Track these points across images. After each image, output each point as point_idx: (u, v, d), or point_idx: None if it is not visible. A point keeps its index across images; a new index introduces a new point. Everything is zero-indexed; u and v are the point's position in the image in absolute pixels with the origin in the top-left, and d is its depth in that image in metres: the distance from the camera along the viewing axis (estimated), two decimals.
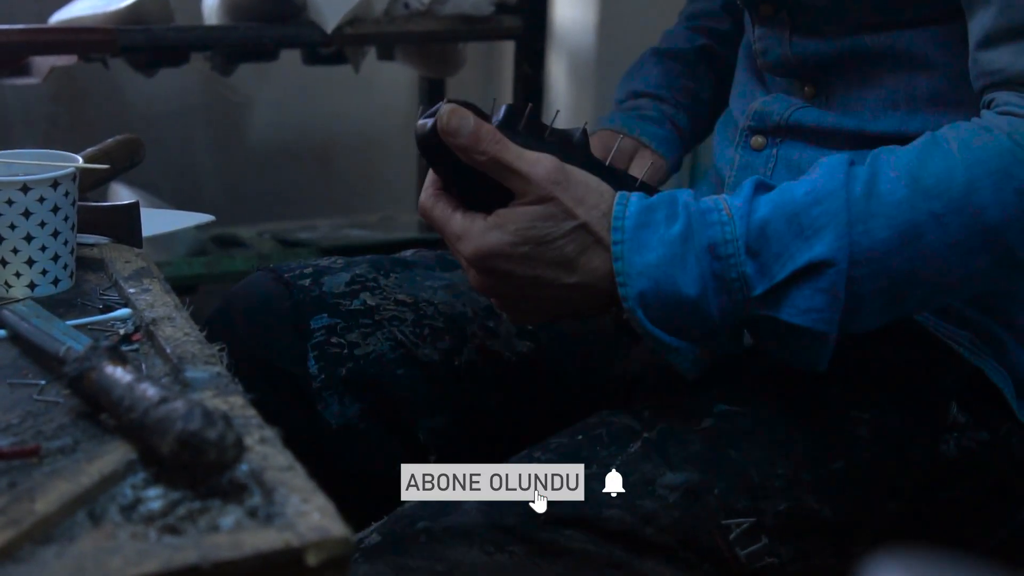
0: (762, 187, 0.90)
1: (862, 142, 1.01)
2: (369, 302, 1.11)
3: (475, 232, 0.90)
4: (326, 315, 1.09)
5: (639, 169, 1.19)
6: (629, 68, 1.35)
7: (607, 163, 0.97)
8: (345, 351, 1.08)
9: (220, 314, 1.12)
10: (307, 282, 1.12)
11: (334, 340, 1.08)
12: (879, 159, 0.89)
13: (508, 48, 2.31)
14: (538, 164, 0.89)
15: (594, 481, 0.90)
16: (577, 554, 0.88)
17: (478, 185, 0.91)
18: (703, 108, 1.30)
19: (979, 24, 0.90)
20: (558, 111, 1.03)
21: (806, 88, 1.06)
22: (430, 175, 0.96)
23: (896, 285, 0.87)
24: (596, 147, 1.16)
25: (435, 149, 0.91)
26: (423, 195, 0.95)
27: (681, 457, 0.92)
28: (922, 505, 0.96)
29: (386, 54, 2.24)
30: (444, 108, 0.89)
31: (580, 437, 0.95)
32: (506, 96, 2.49)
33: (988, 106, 0.91)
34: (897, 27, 0.99)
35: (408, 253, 1.20)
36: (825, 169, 0.89)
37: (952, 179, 0.86)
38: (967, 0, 0.91)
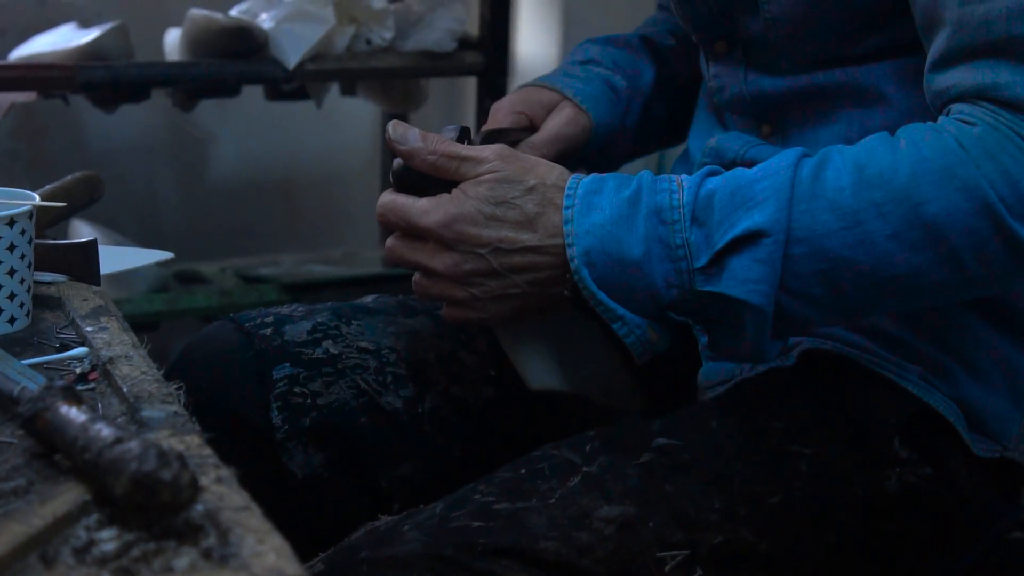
0: (716, 172, 0.93)
1: None
2: (331, 350, 1.10)
3: (443, 202, 0.94)
4: (288, 364, 1.09)
5: (556, 121, 1.18)
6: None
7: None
8: (308, 401, 1.08)
9: (180, 365, 1.11)
10: (268, 331, 1.11)
11: (296, 390, 1.08)
12: (831, 150, 0.91)
13: (470, 84, 2.32)
14: (485, 147, 0.95)
15: (533, 514, 0.91)
16: None
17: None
18: (643, 83, 1.26)
19: (934, 47, 0.92)
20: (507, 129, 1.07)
21: (763, 127, 1.07)
22: (382, 195, 0.99)
23: (835, 270, 0.88)
24: (516, 102, 1.18)
25: (408, 181, 0.97)
26: (380, 199, 0.98)
27: (619, 491, 0.92)
28: (862, 538, 0.96)
29: (349, 89, 2.25)
30: (389, 123, 0.96)
31: (523, 471, 0.96)
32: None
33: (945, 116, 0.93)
34: (852, 62, 1.01)
35: (369, 299, 1.19)
36: (779, 156, 0.91)
37: (896, 171, 0.87)
38: (925, 24, 0.93)
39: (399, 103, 2.25)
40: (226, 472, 0.70)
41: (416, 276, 0.99)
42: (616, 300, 0.91)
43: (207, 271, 2.31)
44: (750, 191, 0.89)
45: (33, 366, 0.88)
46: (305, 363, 1.09)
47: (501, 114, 1.18)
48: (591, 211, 0.91)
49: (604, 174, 0.94)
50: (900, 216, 0.87)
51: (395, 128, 0.96)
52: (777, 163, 0.90)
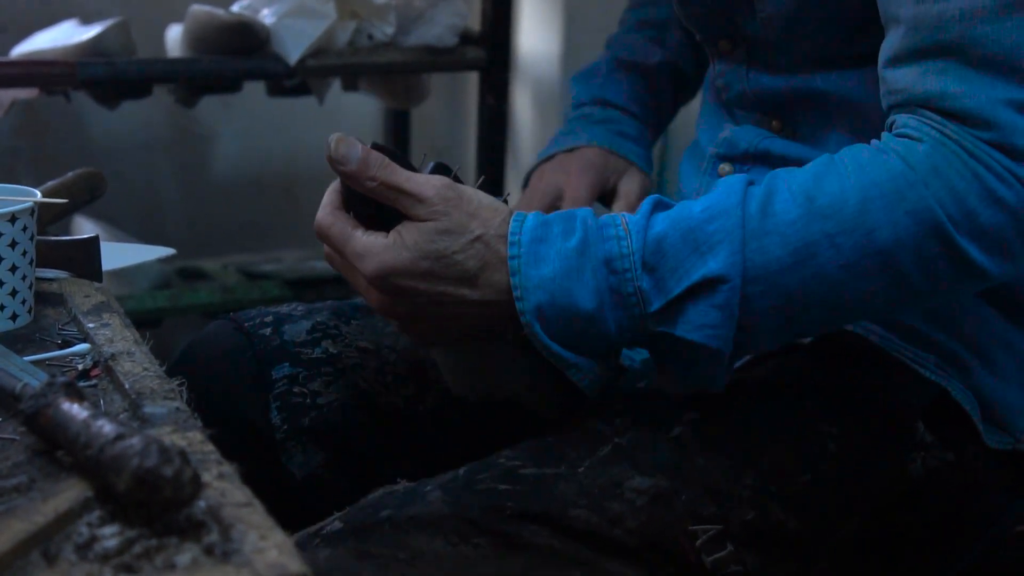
0: (661, 205, 0.91)
1: None
2: (331, 350, 1.10)
3: (376, 249, 0.90)
4: (287, 364, 1.09)
5: (631, 189, 1.26)
6: (587, 68, 1.37)
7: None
8: (307, 401, 1.07)
9: (180, 365, 1.11)
10: (268, 331, 1.11)
11: (296, 390, 1.08)
12: (776, 178, 0.90)
13: (472, 79, 2.32)
14: (428, 184, 0.90)
15: (562, 481, 0.91)
16: (542, 549, 0.88)
17: (383, 219, 0.92)
18: (663, 124, 1.38)
19: (888, 43, 0.91)
20: (483, 177, 1.04)
21: (773, 122, 1.07)
22: (327, 195, 0.95)
23: (791, 304, 0.88)
24: (583, 164, 1.23)
25: (349, 196, 0.93)
26: (320, 213, 0.94)
27: (650, 463, 0.92)
28: (885, 523, 0.96)
29: (351, 85, 2.25)
30: (332, 136, 0.91)
31: (550, 439, 0.95)
32: (471, 126, 2.50)
33: (889, 128, 0.92)
34: (849, 66, 1.00)
35: None
36: (723, 187, 0.90)
37: (845, 200, 0.87)
38: (883, 20, 0.92)
39: (401, 98, 2.25)
40: (228, 468, 0.70)
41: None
42: (568, 348, 0.90)
43: (209, 267, 2.31)
44: (702, 233, 0.87)
45: (35, 362, 0.88)
46: (305, 363, 1.09)
47: (586, 192, 1.25)
48: (539, 262, 0.89)
49: (548, 215, 0.91)
50: (852, 246, 0.86)
51: (337, 146, 0.91)
52: (724, 200, 0.88)
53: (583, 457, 0.92)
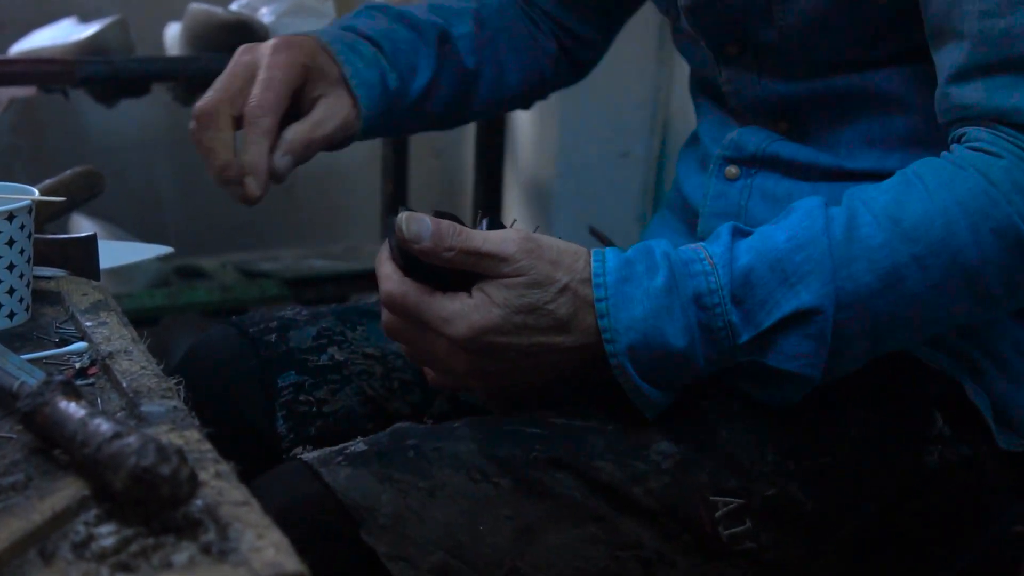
0: (739, 233, 0.90)
1: (839, 177, 1.02)
2: (337, 357, 1.10)
3: (466, 311, 0.87)
4: (293, 372, 1.08)
5: (329, 117, 1.09)
6: (350, 13, 1.22)
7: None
8: (314, 409, 1.07)
9: (182, 370, 1.09)
10: (273, 337, 1.11)
11: (302, 398, 1.07)
12: (854, 199, 0.89)
13: None
14: (507, 241, 0.87)
15: (591, 434, 0.91)
16: (561, 498, 0.88)
17: (451, 281, 0.89)
18: (416, 86, 1.18)
19: (949, 58, 0.90)
20: (487, 218, 1.00)
21: (780, 123, 1.06)
22: (385, 264, 0.92)
23: (879, 326, 0.88)
24: (288, 43, 1.07)
25: (419, 267, 0.89)
26: (388, 284, 0.90)
27: (677, 432, 0.92)
28: (895, 514, 0.96)
29: None
30: (400, 217, 0.87)
31: (583, 398, 0.95)
32: (469, 129, 2.50)
33: (958, 140, 0.91)
34: (868, 67, 0.99)
35: (373, 301, 1.18)
36: (803, 213, 0.89)
37: (931, 221, 0.86)
38: (936, 31, 0.91)
39: None
40: (225, 467, 0.70)
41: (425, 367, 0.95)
42: (655, 385, 0.89)
43: (208, 266, 2.31)
44: (790, 264, 0.87)
45: (32, 361, 0.88)
46: (311, 370, 1.09)
47: (280, 71, 1.05)
48: (628, 303, 0.87)
49: (628, 252, 0.89)
50: (939, 266, 0.86)
51: (408, 226, 0.87)
52: (808, 227, 0.88)
53: (613, 416, 0.93)
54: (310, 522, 0.86)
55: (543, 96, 1.34)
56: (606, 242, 1.22)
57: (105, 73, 1.84)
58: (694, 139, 1.19)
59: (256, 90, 1.04)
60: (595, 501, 0.89)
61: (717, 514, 0.90)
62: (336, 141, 1.11)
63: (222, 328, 1.14)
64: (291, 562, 0.60)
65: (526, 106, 1.34)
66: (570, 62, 1.32)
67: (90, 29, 1.89)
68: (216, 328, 1.15)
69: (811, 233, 0.87)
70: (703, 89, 1.17)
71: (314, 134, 1.08)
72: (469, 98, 1.24)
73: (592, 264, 0.88)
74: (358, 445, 0.90)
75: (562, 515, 0.88)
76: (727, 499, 0.90)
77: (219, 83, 1.07)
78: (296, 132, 1.07)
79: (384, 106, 1.14)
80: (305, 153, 1.08)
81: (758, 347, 0.88)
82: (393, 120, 1.17)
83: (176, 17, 2.02)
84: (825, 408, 0.96)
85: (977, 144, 0.88)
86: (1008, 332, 1.01)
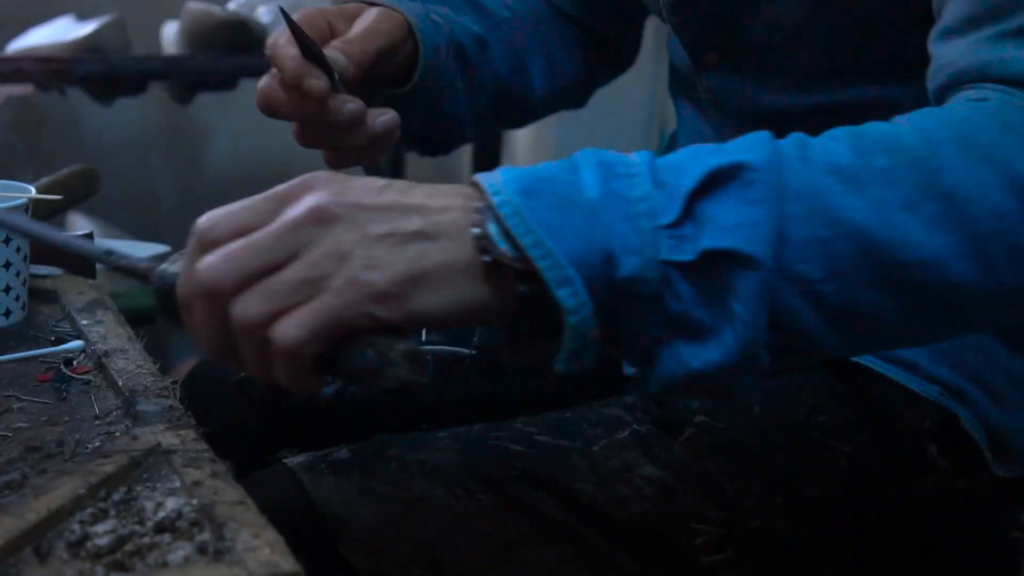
0: None
1: None
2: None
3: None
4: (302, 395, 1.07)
5: (367, 17, 1.00)
6: None
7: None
8: (322, 435, 1.06)
9: (192, 387, 1.08)
10: None
11: (309, 422, 1.07)
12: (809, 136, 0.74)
13: None
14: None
15: (575, 454, 0.90)
16: (542, 517, 0.88)
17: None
18: (469, 45, 1.11)
19: (940, 22, 0.80)
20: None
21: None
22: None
23: (840, 238, 0.66)
24: (312, 14, 1.01)
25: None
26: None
27: (663, 458, 0.91)
28: (888, 544, 0.96)
29: None
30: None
31: (569, 415, 0.94)
32: None
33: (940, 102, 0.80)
34: (855, 79, 0.96)
35: None
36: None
37: (899, 137, 0.69)
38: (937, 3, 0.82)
39: None
40: (221, 467, 0.70)
41: (249, 297, 0.63)
42: (561, 243, 0.64)
43: None
44: (720, 146, 0.68)
45: (28, 359, 0.88)
46: (317, 397, 1.08)
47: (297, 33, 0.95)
48: (522, 173, 0.66)
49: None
50: (913, 182, 0.66)
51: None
52: (749, 137, 0.70)
53: (600, 436, 0.92)
54: (291, 530, 0.86)
55: (590, 91, 1.31)
56: None
57: (102, 71, 1.84)
58: (672, 144, 1.18)
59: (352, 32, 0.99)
60: (575, 522, 0.88)
61: (698, 541, 0.89)
62: (391, 37, 1.00)
63: None
64: (287, 562, 0.60)
65: (579, 102, 1.31)
66: (604, 59, 1.30)
67: (87, 27, 1.88)
68: None
69: (752, 138, 0.69)
70: (683, 91, 1.15)
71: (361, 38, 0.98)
72: (524, 77, 1.17)
73: (479, 177, 0.67)
74: (342, 452, 0.90)
75: (542, 534, 0.87)
76: (709, 528, 0.90)
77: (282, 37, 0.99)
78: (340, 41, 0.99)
79: (440, 38, 1.06)
80: (356, 54, 0.97)
81: (689, 231, 0.64)
82: (445, 79, 1.07)
83: (173, 16, 2.02)
84: (815, 439, 0.95)
85: (963, 95, 0.76)
86: (1001, 363, 1.00)
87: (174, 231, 2.40)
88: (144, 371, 0.85)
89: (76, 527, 0.64)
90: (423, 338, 1.12)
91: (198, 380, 1.12)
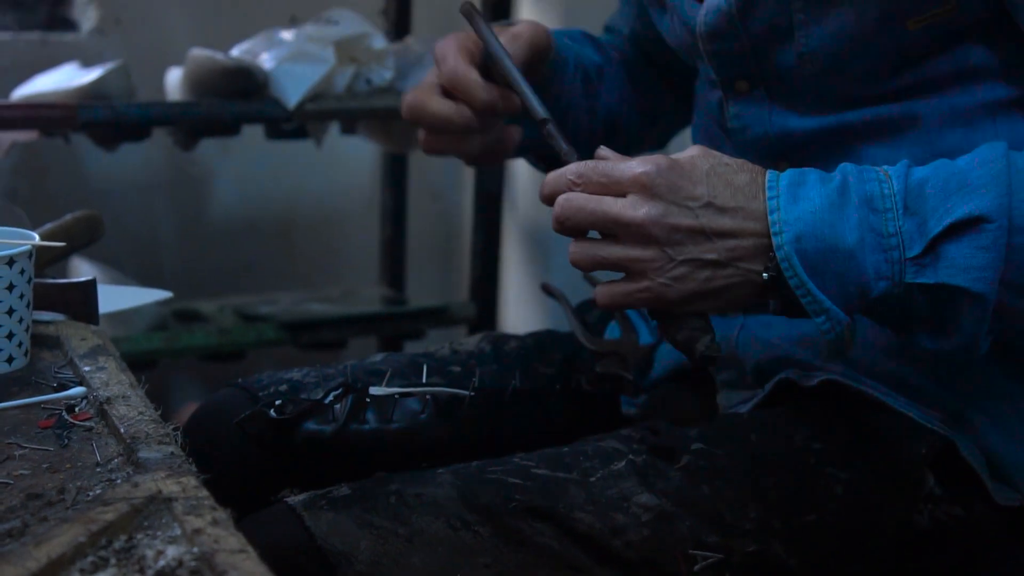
0: (915, 166, 0.88)
1: None
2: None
3: (647, 157, 0.86)
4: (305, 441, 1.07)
5: (517, 28, 1.11)
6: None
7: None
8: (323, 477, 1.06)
9: (194, 434, 1.08)
10: (282, 401, 1.09)
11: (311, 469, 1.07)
12: None
13: None
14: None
15: (572, 485, 0.91)
16: (541, 549, 0.89)
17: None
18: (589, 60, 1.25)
19: None
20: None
21: (781, 163, 1.05)
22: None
23: None
24: (464, 39, 1.08)
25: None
26: (555, 175, 0.90)
27: (660, 486, 0.92)
28: (887, 572, 0.96)
29: (349, 129, 2.26)
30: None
31: (566, 449, 0.96)
32: (467, 173, 2.51)
33: None
34: (881, 101, 0.98)
35: (379, 359, 1.17)
36: (984, 147, 0.87)
37: None
38: None
39: (399, 143, 2.26)
40: (222, 514, 0.70)
41: (586, 244, 0.87)
42: (823, 291, 0.84)
43: (206, 309, 2.31)
44: (964, 178, 0.84)
45: (30, 406, 0.88)
46: (320, 441, 1.07)
47: (451, 57, 1.05)
48: (798, 200, 0.84)
49: (802, 168, 0.88)
50: None
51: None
52: (987, 153, 0.86)
53: (596, 468, 0.93)
54: (292, 568, 0.86)
55: (671, 134, 1.38)
56: (559, 298, 1.23)
57: (106, 118, 1.85)
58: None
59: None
60: (573, 551, 0.89)
61: (696, 567, 0.90)
62: (539, 48, 1.12)
63: (230, 392, 1.13)
64: None
65: (662, 143, 1.38)
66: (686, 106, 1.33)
67: (92, 74, 1.90)
68: (223, 391, 1.14)
69: (991, 155, 0.85)
70: (699, 119, 1.17)
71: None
72: (626, 111, 1.27)
73: (768, 173, 0.87)
74: (342, 489, 0.91)
75: (540, 564, 0.88)
76: (706, 554, 0.90)
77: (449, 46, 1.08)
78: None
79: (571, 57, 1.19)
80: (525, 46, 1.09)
81: (929, 263, 0.84)
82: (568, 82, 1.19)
83: (177, 62, 2.03)
84: (812, 465, 0.95)
85: None
86: (1000, 388, 1.00)
87: (176, 275, 2.41)
88: (145, 418, 0.85)
89: (77, 575, 0.64)
90: (423, 379, 1.12)
91: (201, 422, 1.12)
